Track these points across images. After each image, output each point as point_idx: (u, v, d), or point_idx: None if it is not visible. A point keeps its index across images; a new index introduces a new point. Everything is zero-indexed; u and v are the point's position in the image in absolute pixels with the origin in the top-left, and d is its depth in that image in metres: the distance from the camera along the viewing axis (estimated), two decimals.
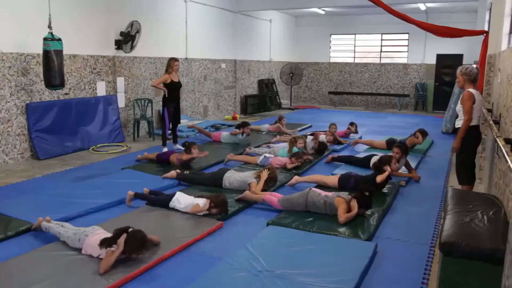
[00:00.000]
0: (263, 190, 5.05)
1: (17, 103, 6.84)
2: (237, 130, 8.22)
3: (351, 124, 9.38)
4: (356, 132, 9.37)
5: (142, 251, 3.37)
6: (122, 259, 3.39)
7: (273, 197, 4.73)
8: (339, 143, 8.38)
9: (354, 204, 4.29)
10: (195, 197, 4.54)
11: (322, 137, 7.98)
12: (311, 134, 8.48)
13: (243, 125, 8.26)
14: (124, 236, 3.31)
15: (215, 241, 3.94)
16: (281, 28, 16.30)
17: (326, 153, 7.52)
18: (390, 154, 5.84)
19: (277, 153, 6.96)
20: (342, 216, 4.21)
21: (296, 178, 5.63)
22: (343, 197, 4.37)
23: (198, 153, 6.38)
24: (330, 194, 4.52)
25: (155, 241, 3.63)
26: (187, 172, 5.81)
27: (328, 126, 8.88)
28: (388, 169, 5.19)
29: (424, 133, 7.78)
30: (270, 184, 5.17)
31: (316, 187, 5.15)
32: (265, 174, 5.08)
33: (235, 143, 8.17)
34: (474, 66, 4.78)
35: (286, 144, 7.72)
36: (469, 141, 4.59)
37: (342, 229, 4.05)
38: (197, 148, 6.49)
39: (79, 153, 7.50)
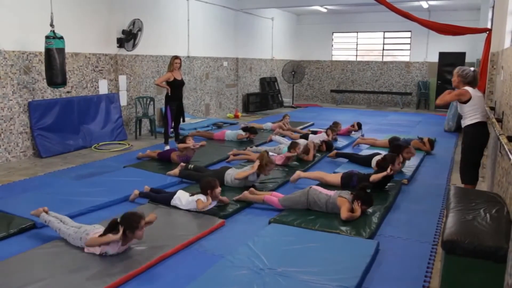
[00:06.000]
0: (264, 181, 5.18)
1: (19, 101, 6.85)
2: (243, 134, 8.29)
3: (357, 124, 9.37)
4: (360, 129, 9.35)
5: (139, 225, 3.37)
6: (123, 252, 3.41)
7: (274, 197, 4.72)
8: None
9: (357, 207, 4.29)
10: (190, 195, 4.54)
11: (323, 135, 7.93)
12: (313, 132, 8.48)
13: (251, 131, 8.35)
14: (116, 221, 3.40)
15: (217, 239, 3.94)
16: (283, 26, 16.28)
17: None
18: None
19: (282, 151, 6.95)
20: (345, 213, 4.21)
21: (298, 173, 5.63)
22: (345, 197, 4.37)
23: (194, 144, 6.41)
24: (332, 193, 4.51)
25: (151, 219, 3.64)
26: (191, 166, 5.83)
27: (332, 123, 8.83)
28: (389, 169, 5.10)
29: (432, 145, 7.75)
30: (268, 168, 5.20)
31: (318, 185, 5.13)
32: (256, 165, 5.15)
33: (238, 141, 8.23)
34: (472, 69, 4.74)
35: (287, 141, 7.72)
36: (476, 139, 4.49)
37: (344, 227, 4.05)
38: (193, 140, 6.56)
39: (81, 151, 7.51)
